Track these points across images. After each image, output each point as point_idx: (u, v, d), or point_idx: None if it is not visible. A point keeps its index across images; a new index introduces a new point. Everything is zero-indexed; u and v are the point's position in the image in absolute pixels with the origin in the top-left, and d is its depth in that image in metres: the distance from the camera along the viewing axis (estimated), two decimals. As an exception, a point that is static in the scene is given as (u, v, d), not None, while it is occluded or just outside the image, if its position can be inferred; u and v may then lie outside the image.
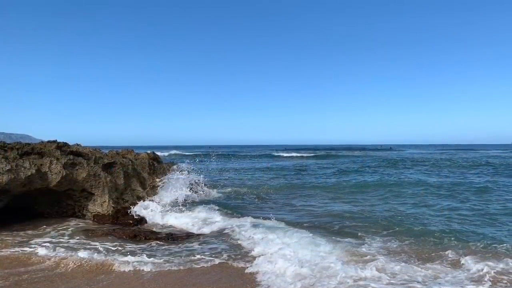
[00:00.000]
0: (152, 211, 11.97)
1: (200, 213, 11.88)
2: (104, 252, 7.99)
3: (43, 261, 7.36)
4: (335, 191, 17.51)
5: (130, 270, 6.85)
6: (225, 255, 7.81)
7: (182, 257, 7.63)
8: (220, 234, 9.73)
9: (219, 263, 7.35)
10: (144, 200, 12.54)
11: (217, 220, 11.02)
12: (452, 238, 8.81)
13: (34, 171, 10.30)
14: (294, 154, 69.41)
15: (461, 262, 7.07)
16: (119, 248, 8.37)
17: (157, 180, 13.87)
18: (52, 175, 10.71)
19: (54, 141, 11.61)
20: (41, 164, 10.61)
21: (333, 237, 9.04)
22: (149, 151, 15.31)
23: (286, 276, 6.47)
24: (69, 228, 10.40)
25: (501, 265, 6.83)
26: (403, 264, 6.90)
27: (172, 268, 6.98)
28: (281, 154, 72.11)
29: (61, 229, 10.18)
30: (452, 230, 9.64)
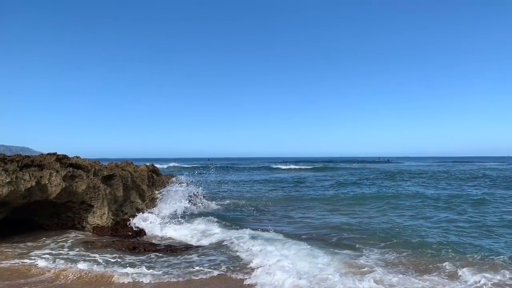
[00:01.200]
0: (151, 223, 11.99)
1: (199, 225, 11.91)
2: (103, 263, 8.00)
3: (43, 273, 7.37)
4: (333, 203, 17.54)
5: (129, 282, 6.87)
6: (224, 267, 7.82)
7: (181, 269, 7.65)
8: (219, 246, 9.74)
9: (218, 274, 7.36)
10: (143, 212, 12.56)
11: (216, 232, 11.05)
12: (450, 250, 8.86)
13: (34, 183, 10.33)
14: (292, 167, 69.51)
15: (459, 274, 7.12)
16: (119, 260, 8.38)
17: (156, 192, 13.88)
18: (51, 187, 10.74)
19: (54, 154, 11.64)
20: (41, 177, 10.64)
21: (331, 249, 9.08)
22: (148, 164, 15.34)
23: (285, 287, 6.50)
24: (69, 240, 10.39)
25: (498, 277, 6.89)
26: (400, 276, 6.94)
27: (171, 280, 7.00)
28: (280, 166, 72.28)
29: (60, 241, 10.17)
30: (449, 242, 9.69)
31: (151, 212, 12.71)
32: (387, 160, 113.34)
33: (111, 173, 12.58)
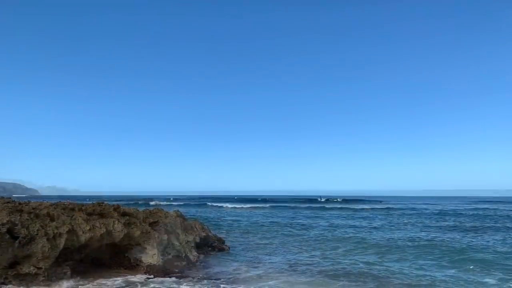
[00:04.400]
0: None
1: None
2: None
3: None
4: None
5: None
6: None
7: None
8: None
9: None
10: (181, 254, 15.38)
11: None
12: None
13: (104, 230, 13.11)
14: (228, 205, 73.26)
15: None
16: None
17: (190, 236, 16.75)
18: (115, 232, 13.51)
19: (112, 205, 14.50)
20: (107, 224, 13.41)
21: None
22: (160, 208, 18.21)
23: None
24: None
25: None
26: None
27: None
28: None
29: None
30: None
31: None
32: (380, 202, 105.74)
33: (156, 220, 15.42)
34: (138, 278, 13.01)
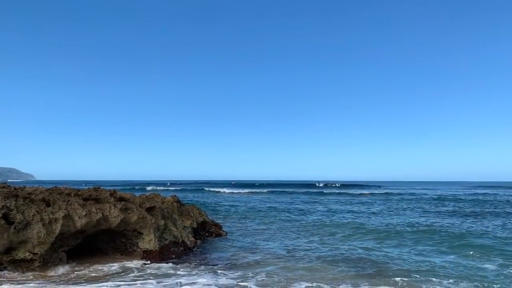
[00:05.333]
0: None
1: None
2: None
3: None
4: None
5: None
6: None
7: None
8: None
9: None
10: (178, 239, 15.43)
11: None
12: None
13: (100, 215, 13.11)
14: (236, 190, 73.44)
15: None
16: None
17: (187, 221, 16.78)
18: (112, 218, 13.51)
19: (108, 190, 14.49)
20: (103, 209, 13.41)
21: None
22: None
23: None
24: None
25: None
26: None
27: None
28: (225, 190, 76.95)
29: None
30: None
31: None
32: (379, 186, 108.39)
33: (152, 205, 15.43)
34: (135, 263, 13.06)
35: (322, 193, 68.35)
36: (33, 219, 11.46)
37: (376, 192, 71.75)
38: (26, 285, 10.09)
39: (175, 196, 18.29)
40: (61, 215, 12.05)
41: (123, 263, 13.14)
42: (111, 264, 12.87)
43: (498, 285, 10.31)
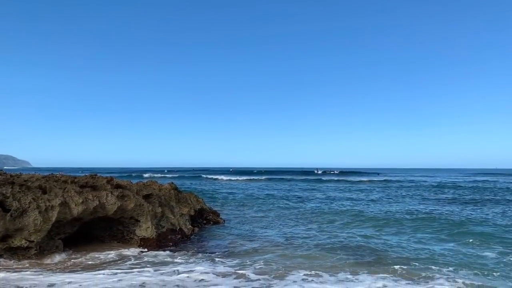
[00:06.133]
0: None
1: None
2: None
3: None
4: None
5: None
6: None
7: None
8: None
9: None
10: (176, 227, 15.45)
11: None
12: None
13: (97, 202, 13.10)
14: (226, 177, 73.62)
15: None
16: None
17: (184, 209, 16.79)
18: (109, 205, 13.50)
19: (105, 178, 14.47)
20: (100, 197, 13.40)
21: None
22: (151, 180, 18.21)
23: None
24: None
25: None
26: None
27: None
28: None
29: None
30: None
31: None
32: (377, 174, 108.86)
33: (149, 192, 15.43)
34: (132, 251, 13.09)
35: (320, 180, 68.46)
36: (29, 207, 11.44)
37: (375, 179, 71.93)
38: (22, 273, 10.10)
39: (172, 183, 18.28)
40: (58, 202, 12.03)
41: (120, 251, 13.17)
42: (108, 252, 12.91)
43: (498, 273, 10.35)
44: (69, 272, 10.45)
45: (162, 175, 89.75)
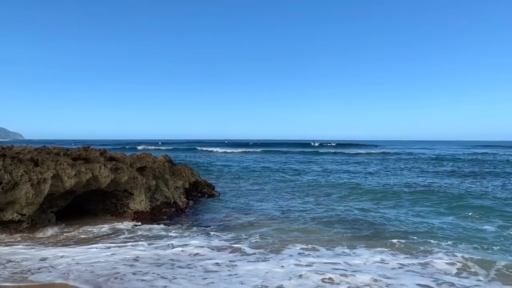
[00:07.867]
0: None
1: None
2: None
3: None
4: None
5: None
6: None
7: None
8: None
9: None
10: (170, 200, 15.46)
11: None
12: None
13: (90, 175, 13.06)
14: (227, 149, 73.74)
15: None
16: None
17: (179, 181, 16.78)
18: (102, 178, 13.46)
19: (98, 150, 14.41)
20: (93, 169, 13.35)
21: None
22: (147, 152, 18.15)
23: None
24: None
25: None
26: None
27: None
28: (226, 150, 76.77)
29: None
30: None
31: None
32: (375, 146, 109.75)
33: (143, 165, 15.38)
34: (125, 225, 13.11)
35: (317, 153, 68.69)
36: (21, 179, 11.38)
37: (372, 151, 72.20)
38: (14, 246, 10.12)
39: (166, 155, 18.22)
40: (50, 175, 11.97)
41: (113, 224, 13.19)
42: (101, 226, 12.93)
43: (498, 247, 10.42)
44: (61, 246, 10.47)
45: (156, 147, 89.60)
